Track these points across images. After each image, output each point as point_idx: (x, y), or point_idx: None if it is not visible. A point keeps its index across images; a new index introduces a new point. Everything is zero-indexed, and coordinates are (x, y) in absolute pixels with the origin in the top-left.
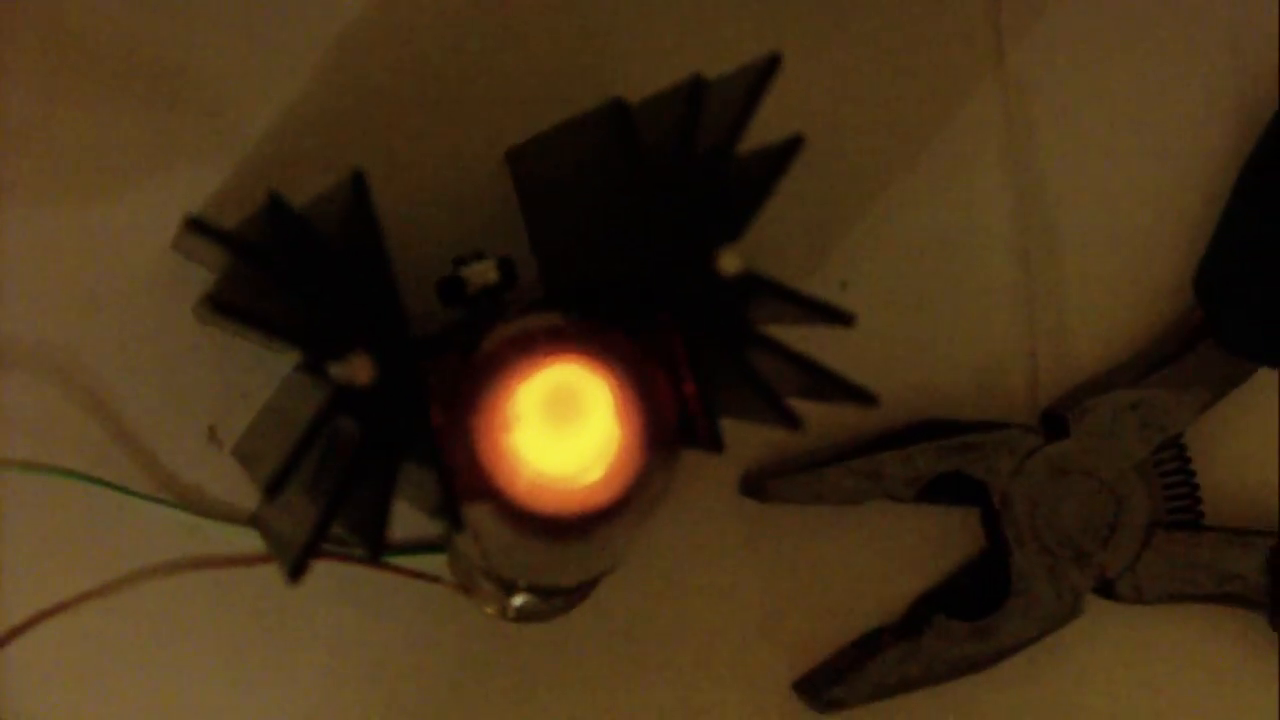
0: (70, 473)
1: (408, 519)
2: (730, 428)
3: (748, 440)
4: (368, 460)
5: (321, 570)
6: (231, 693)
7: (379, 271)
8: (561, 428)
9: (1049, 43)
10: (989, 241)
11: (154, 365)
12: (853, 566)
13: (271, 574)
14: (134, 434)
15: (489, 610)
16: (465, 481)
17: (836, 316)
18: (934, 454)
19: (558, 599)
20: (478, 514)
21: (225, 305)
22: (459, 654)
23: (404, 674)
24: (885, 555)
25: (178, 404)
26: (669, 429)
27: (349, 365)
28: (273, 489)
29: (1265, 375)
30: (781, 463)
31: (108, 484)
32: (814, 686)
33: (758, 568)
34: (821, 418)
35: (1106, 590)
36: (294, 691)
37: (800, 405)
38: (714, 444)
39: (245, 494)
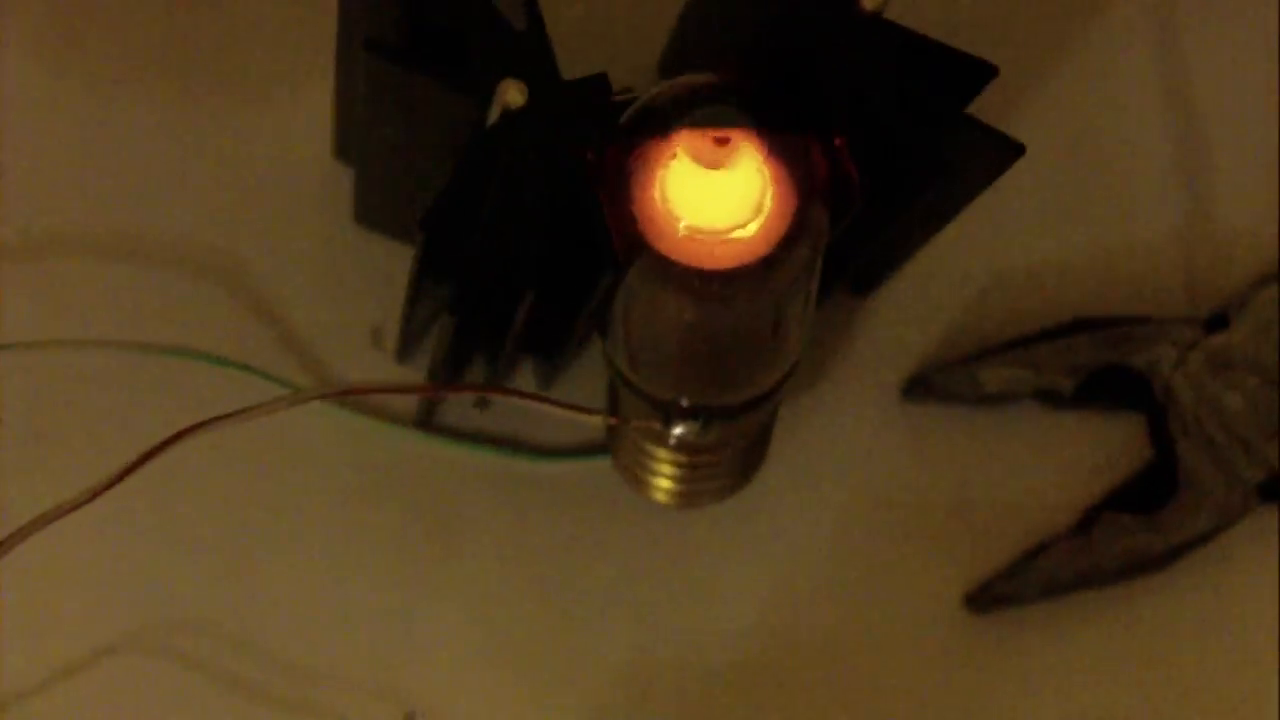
0: (244, 366)
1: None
2: (894, 333)
3: (911, 347)
4: (522, 193)
5: (484, 468)
6: (397, 592)
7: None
8: (714, 180)
9: None
10: (1142, 143)
11: (319, 270)
12: (1018, 477)
13: (435, 474)
14: (300, 336)
15: (655, 494)
16: (619, 230)
17: (977, 66)
18: (1092, 345)
19: (716, 429)
20: (634, 280)
21: (383, 49)
22: (622, 551)
23: (567, 570)
24: (1050, 465)
25: (343, 308)
26: (820, 182)
27: (504, 88)
28: (429, 222)
29: None
30: (943, 361)
31: (276, 379)
32: (985, 591)
33: (922, 477)
34: (982, 318)
35: (1277, 484)
36: (458, 591)
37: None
38: (855, 198)
39: (408, 400)
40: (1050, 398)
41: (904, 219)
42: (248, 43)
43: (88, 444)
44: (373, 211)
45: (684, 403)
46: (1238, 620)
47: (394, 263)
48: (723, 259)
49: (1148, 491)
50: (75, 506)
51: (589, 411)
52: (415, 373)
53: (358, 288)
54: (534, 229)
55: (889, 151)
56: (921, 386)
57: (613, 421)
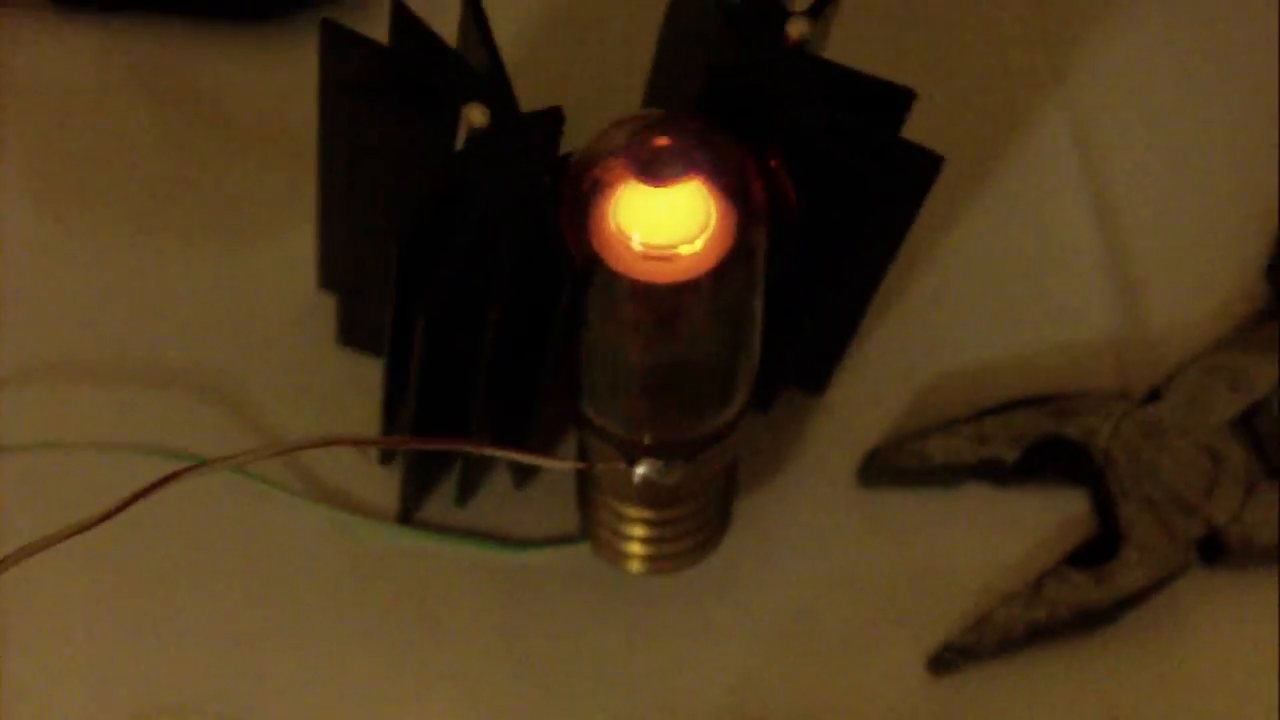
0: (237, 471)
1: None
2: (846, 426)
3: (862, 437)
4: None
5: (466, 560)
6: (386, 678)
7: (489, 49)
8: (662, 200)
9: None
10: (1070, 242)
11: (306, 387)
12: (971, 551)
13: (419, 567)
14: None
15: (630, 563)
16: (576, 247)
17: (897, 91)
18: (1033, 418)
19: (678, 469)
20: (593, 308)
21: (362, 90)
22: (600, 632)
23: (548, 653)
24: (1001, 539)
25: (329, 419)
26: (759, 202)
27: (468, 111)
28: (405, 239)
29: None
30: (892, 438)
31: (266, 482)
32: (945, 651)
33: (880, 555)
34: (928, 407)
35: (1216, 541)
36: (445, 675)
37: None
38: (792, 215)
39: (391, 496)
40: (994, 467)
41: (844, 257)
42: (238, 190)
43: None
44: (354, 331)
45: (646, 441)
46: (1186, 674)
47: (375, 377)
48: (673, 273)
49: (1094, 554)
50: (62, 538)
51: (558, 460)
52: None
53: (342, 401)
54: (502, 246)
55: (822, 173)
56: (874, 462)
57: (581, 466)
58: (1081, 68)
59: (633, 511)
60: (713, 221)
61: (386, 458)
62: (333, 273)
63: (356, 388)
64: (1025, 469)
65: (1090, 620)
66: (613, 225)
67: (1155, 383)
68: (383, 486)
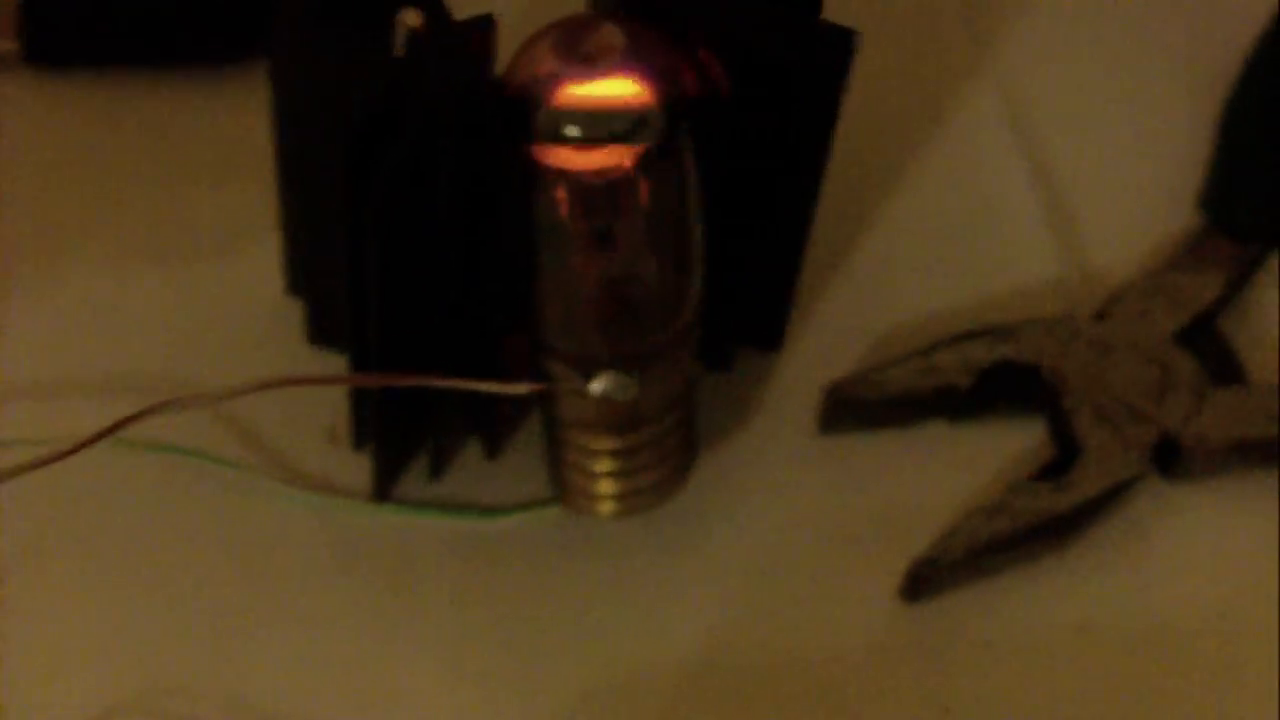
0: (205, 456)
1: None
2: (804, 379)
3: (820, 385)
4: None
5: (439, 530)
6: (369, 643)
7: None
8: (597, 91)
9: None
10: (1007, 196)
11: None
12: (934, 486)
13: (394, 540)
14: (262, 435)
15: (600, 505)
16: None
17: None
18: (984, 344)
19: (635, 382)
20: (537, 204)
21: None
22: (572, 589)
23: (523, 610)
24: (963, 471)
25: (298, 411)
26: (691, 90)
27: (403, 15)
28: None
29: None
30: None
31: (240, 468)
32: (914, 569)
33: (844, 496)
34: (881, 351)
35: (1170, 445)
36: (425, 638)
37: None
38: (725, 99)
39: (366, 480)
40: (949, 396)
41: (777, 154)
42: (205, 215)
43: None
44: (323, 329)
45: (601, 356)
46: (1150, 584)
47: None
48: (609, 159)
49: (1055, 472)
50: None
51: (517, 385)
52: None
53: (315, 396)
54: (447, 144)
55: (745, 62)
56: (832, 399)
57: (539, 387)
58: (1005, 37)
59: (597, 443)
60: (643, 110)
61: (360, 442)
62: (299, 274)
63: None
64: (980, 396)
65: (1054, 528)
66: (557, 126)
67: (1099, 309)
68: (358, 470)
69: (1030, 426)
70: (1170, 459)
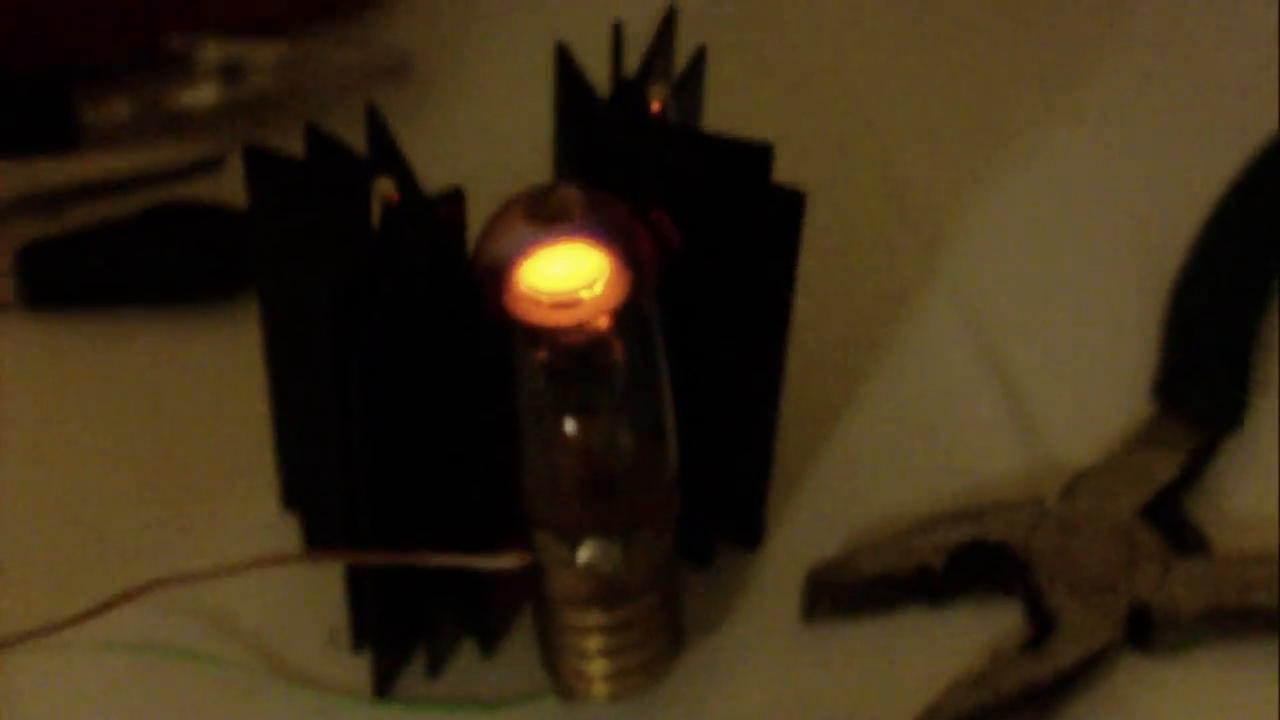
0: (212, 658)
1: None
2: (785, 574)
3: (800, 578)
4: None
5: None
6: None
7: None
8: (561, 258)
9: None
10: (968, 392)
11: (276, 586)
12: (915, 669)
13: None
14: (259, 635)
15: (593, 687)
16: (492, 309)
17: (752, 149)
18: (955, 526)
19: (617, 551)
20: (517, 367)
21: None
22: None
23: None
24: (940, 658)
25: (296, 613)
26: (647, 248)
27: (379, 184)
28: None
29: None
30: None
31: (233, 664)
32: None
33: (827, 681)
34: (857, 544)
35: (1143, 615)
36: None
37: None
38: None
39: (363, 679)
40: (925, 577)
41: (735, 318)
42: (201, 438)
43: None
44: (319, 540)
45: (584, 525)
46: None
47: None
48: (580, 316)
49: (1032, 646)
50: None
51: (506, 558)
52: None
53: (311, 598)
54: (426, 305)
55: (697, 222)
56: (812, 585)
57: (525, 559)
58: (954, 235)
59: (586, 619)
60: (607, 269)
61: (360, 643)
62: (294, 486)
63: (331, 587)
64: (955, 577)
65: (1036, 698)
66: (520, 286)
67: (1063, 490)
68: (357, 670)
69: (1007, 607)
70: (1144, 629)
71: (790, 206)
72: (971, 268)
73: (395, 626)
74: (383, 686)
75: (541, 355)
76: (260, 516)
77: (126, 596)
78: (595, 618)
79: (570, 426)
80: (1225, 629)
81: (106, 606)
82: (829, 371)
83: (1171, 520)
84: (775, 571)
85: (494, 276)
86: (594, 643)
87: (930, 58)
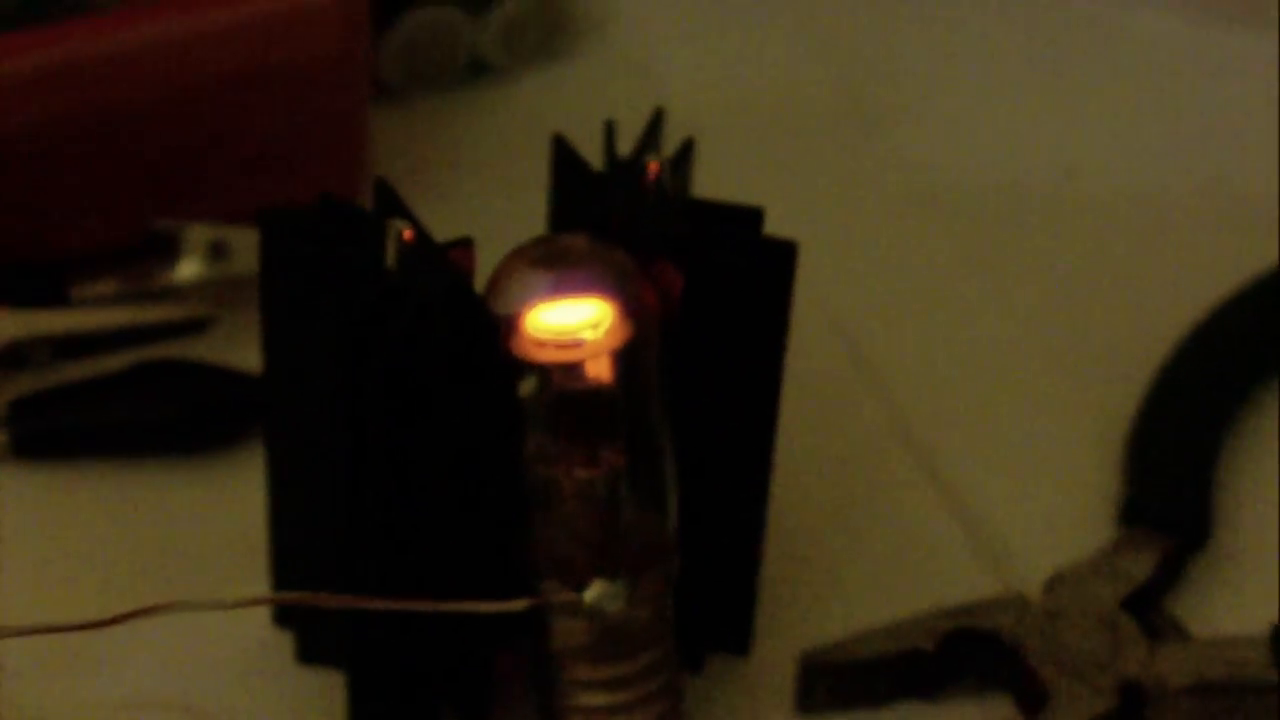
0: None
1: None
2: (776, 678)
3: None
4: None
5: None
6: None
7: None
8: (565, 304)
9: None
10: (936, 532)
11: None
12: None
13: None
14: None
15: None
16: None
17: (744, 210)
18: (945, 616)
19: (622, 591)
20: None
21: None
22: None
23: None
24: None
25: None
26: (648, 293)
27: (392, 226)
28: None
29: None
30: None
31: None
32: None
33: None
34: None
35: (1134, 690)
36: None
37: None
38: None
39: None
40: (917, 660)
41: (729, 365)
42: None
43: None
44: (315, 650)
45: (590, 568)
46: None
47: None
48: (585, 353)
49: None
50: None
51: (514, 603)
52: None
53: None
54: (439, 343)
55: (694, 276)
56: (806, 668)
57: (533, 602)
58: (908, 371)
59: (594, 674)
60: (610, 312)
61: None
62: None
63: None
64: (946, 663)
65: None
66: (526, 328)
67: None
68: None
69: (999, 701)
70: (1134, 707)
71: (783, 257)
72: (930, 408)
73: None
74: None
75: (546, 398)
76: (254, 633)
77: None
78: (599, 671)
79: (575, 472)
80: (1215, 709)
81: None
82: (806, 503)
83: (1150, 615)
84: (767, 673)
85: (502, 320)
86: (598, 699)
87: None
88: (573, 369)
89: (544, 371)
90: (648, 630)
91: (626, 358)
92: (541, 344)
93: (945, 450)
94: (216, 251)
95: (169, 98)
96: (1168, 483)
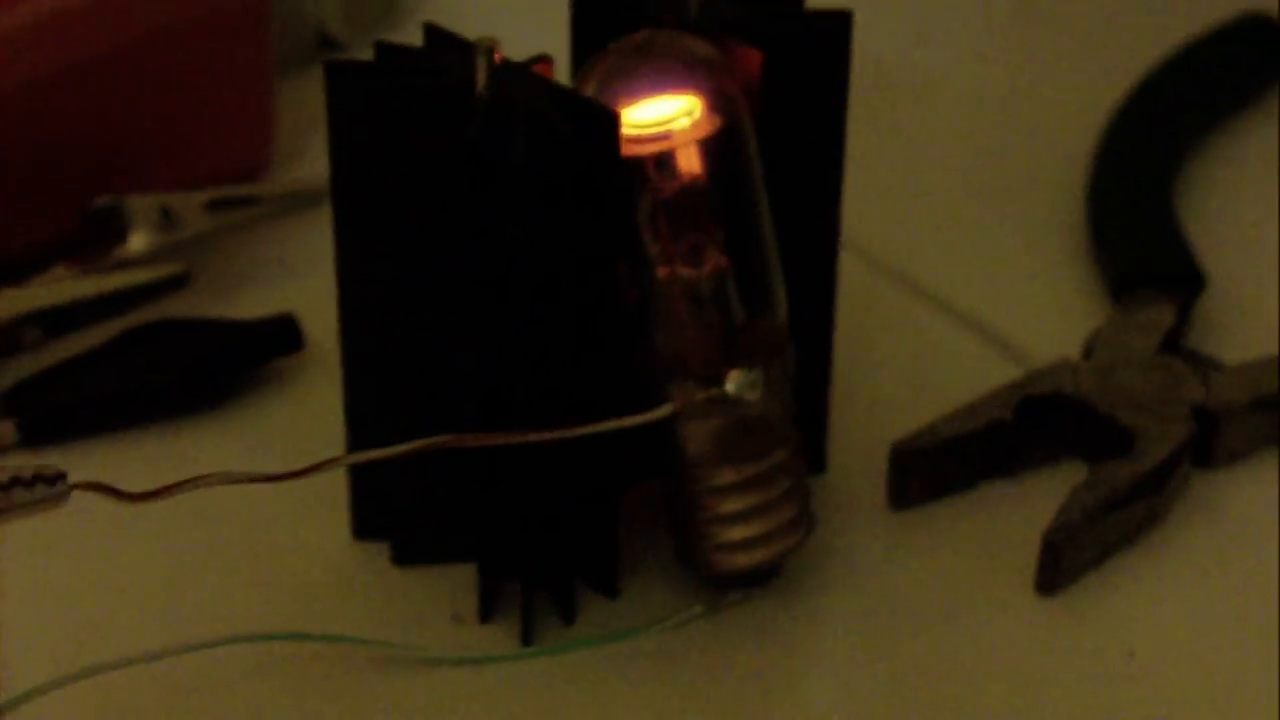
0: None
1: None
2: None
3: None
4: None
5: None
6: None
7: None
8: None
9: None
10: None
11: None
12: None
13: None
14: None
15: (737, 559)
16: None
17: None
18: (1012, 389)
19: (759, 377)
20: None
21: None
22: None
23: None
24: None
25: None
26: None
27: (479, 43)
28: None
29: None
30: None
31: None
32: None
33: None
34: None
35: (1205, 414)
36: None
37: None
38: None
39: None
40: (999, 432)
41: (800, 136)
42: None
43: None
44: (410, 549)
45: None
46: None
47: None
48: (678, 140)
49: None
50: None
51: (660, 410)
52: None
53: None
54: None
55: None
56: (897, 457)
57: (673, 408)
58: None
59: (733, 475)
60: (697, 103)
61: (487, 616)
62: (369, 508)
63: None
64: (1025, 431)
65: (1144, 490)
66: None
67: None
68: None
69: (1077, 470)
70: (1209, 429)
71: (843, 22)
72: (903, 249)
73: (530, 569)
74: (529, 635)
75: (645, 198)
76: (335, 552)
77: None
78: (737, 472)
79: (680, 272)
80: (1274, 418)
81: None
82: None
83: (1183, 356)
84: (849, 480)
85: (606, 112)
86: (735, 504)
87: None
88: (667, 165)
89: (641, 170)
90: (779, 424)
91: (716, 148)
92: (635, 140)
93: (930, 279)
94: (165, 218)
95: (63, 74)
96: (1154, 247)
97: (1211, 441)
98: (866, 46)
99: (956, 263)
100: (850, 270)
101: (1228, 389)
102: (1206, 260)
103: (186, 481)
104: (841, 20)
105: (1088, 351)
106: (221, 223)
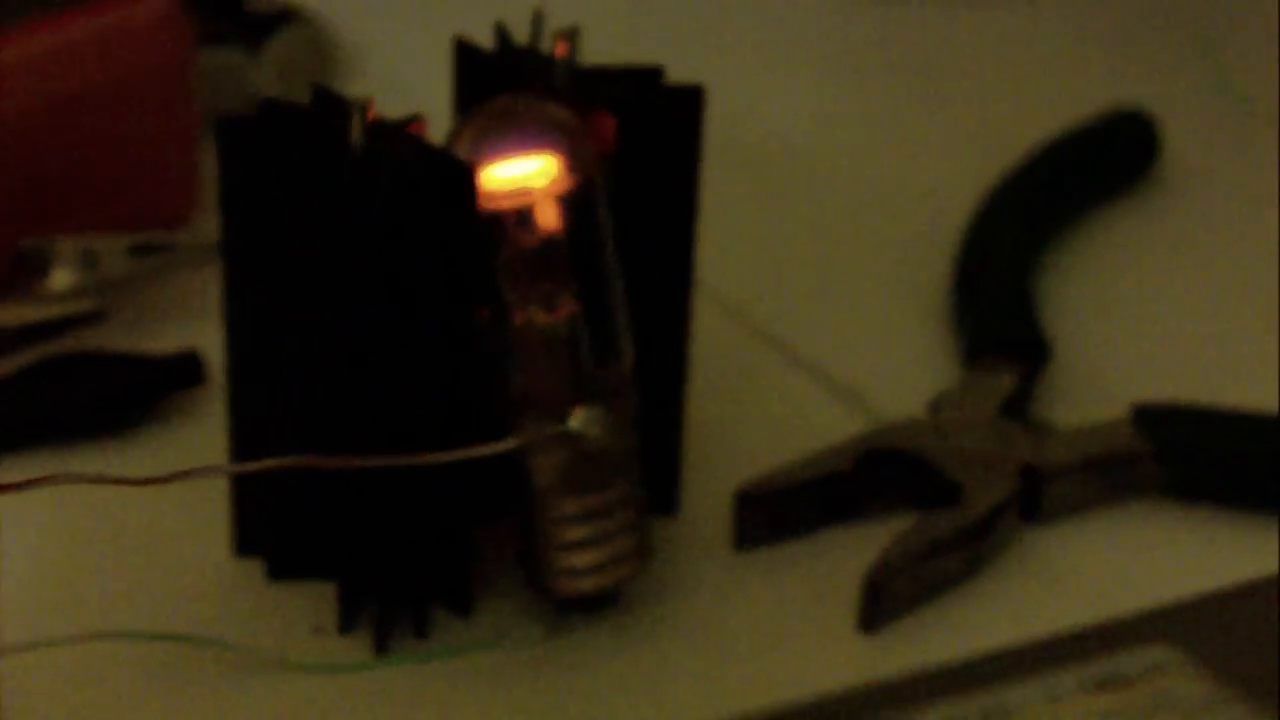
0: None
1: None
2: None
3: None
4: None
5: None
6: None
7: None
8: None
9: None
10: None
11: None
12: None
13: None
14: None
15: (580, 583)
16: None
17: (646, 70)
18: (856, 442)
19: (601, 415)
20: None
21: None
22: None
23: None
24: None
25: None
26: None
27: (357, 102)
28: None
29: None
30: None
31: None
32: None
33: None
34: None
35: (1031, 472)
36: None
37: None
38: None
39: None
40: (837, 481)
41: (652, 206)
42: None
43: None
44: (287, 564)
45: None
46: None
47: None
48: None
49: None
50: None
51: (505, 443)
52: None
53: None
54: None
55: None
56: (741, 498)
57: (520, 441)
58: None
59: (576, 505)
60: (555, 163)
61: (347, 626)
62: (249, 525)
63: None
64: (862, 483)
65: (965, 539)
66: (482, 185)
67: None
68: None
69: (906, 519)
70: (1033, 490)
71: (695, 97)
72: (769, 305)
73: (389, 588)
74: (382, 643)
75: (504, 249)
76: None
77: None
78: (580, 502)
79: (536, 319)
80: (1103, 486)
81: None
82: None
83: (1022, 420)
84: (695, 528)
85: (467, 171)
86: (580, 531)
87: None
88: (526, 220)
89: (502, 223)
90: (621, 460)
91: (572, 205)
92: (497, 195)
93: (793, 335)
94: (86, 260)
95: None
96: (1006, 318)
97: (1039, 499)
98: (754, 113)
99: (820, 321)
100: (712, 324)
101: (1057, 450)
102: (1060, 335)
103: (46, 478)
104: (693, 93)
105: (933, 410)
106: (140, 267)
